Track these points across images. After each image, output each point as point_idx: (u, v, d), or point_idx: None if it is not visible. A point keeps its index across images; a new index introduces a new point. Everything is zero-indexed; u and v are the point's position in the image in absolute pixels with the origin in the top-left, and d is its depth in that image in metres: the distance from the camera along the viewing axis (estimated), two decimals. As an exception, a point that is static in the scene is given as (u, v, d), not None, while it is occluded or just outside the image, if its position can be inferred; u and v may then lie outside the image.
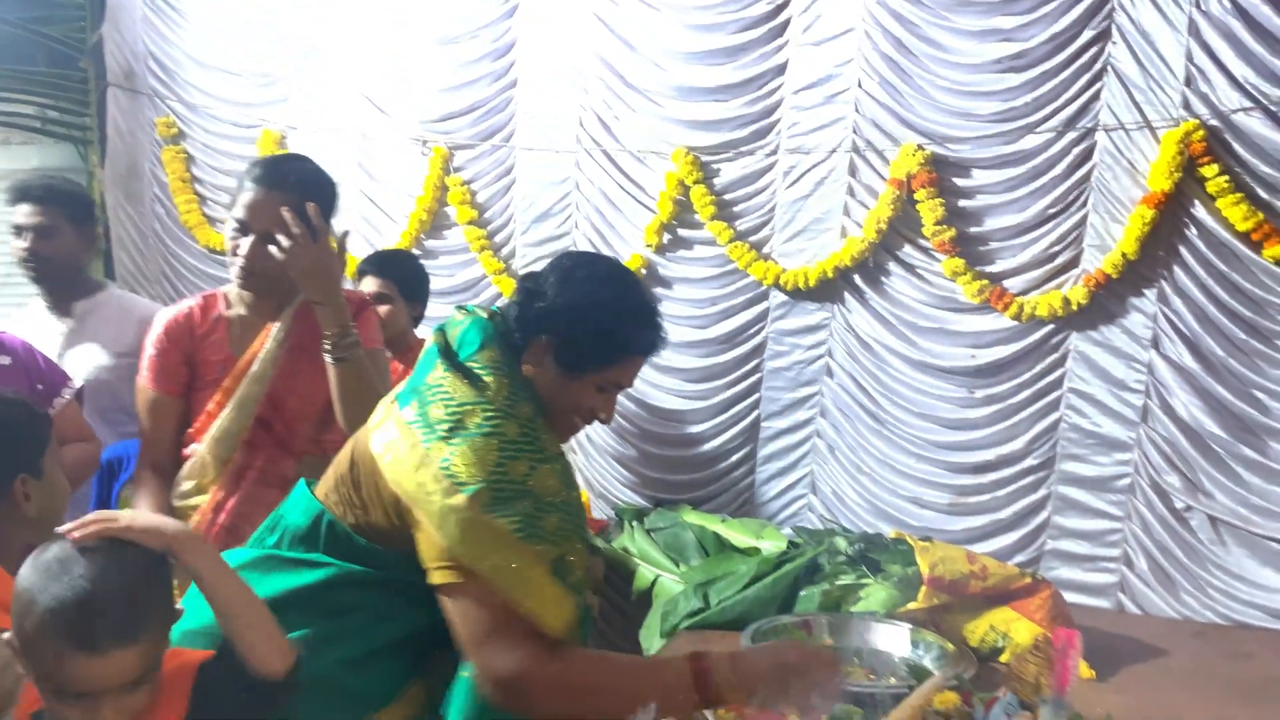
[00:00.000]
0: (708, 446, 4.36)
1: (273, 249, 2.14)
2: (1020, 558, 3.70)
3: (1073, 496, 3.67)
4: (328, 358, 2.17)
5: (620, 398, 4.37)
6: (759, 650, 1.58)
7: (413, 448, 1.50)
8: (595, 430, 4.53)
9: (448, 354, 1.61)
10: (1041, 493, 3.72)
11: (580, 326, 1.59)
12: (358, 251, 4.91)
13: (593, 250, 4.42)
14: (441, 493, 1.45)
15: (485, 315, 1.69)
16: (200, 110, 5.25)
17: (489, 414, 1.51)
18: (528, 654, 1.43)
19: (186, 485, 2.26)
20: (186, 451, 2.30)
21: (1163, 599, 3.50)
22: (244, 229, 2.21)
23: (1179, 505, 3.46)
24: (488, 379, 1.54)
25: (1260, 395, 3.35)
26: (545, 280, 1.65)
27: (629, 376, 1.69)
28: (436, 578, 1.48)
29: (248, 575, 1.53)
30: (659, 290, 4.39)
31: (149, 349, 2.32)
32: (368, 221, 4.92)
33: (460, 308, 1.76)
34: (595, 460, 4.61)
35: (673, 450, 4.43)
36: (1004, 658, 2.64)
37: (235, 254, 2.22)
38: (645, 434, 4.46)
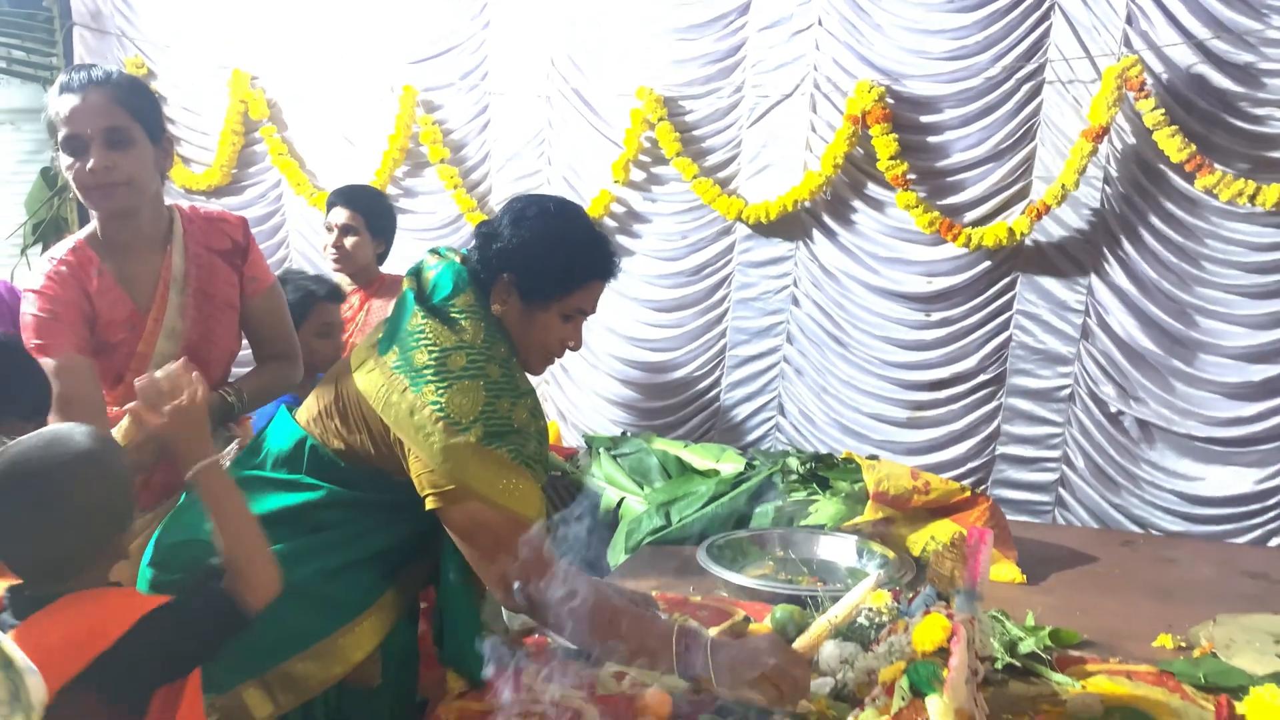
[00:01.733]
0: (678, 374, 4.56)
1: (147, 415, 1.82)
2: (973, 463, 4.07)
3: (1020, 407, 4.02)
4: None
5: (593, 329, 4.58)
6: (744, 646, 1.63)
7: (403, 394, 1.59)
8: (569, 363, 4.70)
9: (423, 299, 1.70)
10: (992, 405, 4.05)
11: (537, 259, 1.68)
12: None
13: (567, 186, 4.55)
14: (441, 433, 1.56)
15: (458, 259, 1.78)
16: (170, 51, 5.27)
17: (472, 356, 1.61)
18: (531, 559, 1.57)
19: None
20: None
21: (1098, 492, 3.89)
22: (79, 144, 1.90)
23: (1113, 410, 3.84)
24: (464, 323, 1.64)
25: (1189, 312, 3.67)
26: (500, 223, 1.73)
27: (590, 302, 1.76)
28: (435, 502, 1.60)
29: None
30: (632, 224, 4.54)
31: (35, 311, 1.95)
32: (344, 160, 4.98)
33: (433, 251, 1.85)
34: (569, 391, 4.79)
35: (644, 378, 4.62)
36: (943, 565, 2.85)
37: (84, 177, 1.91)
38: (617, 364, 4.63)
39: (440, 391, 1.58)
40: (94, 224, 2.05)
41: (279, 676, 1.59)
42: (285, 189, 5.13)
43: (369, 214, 3.29)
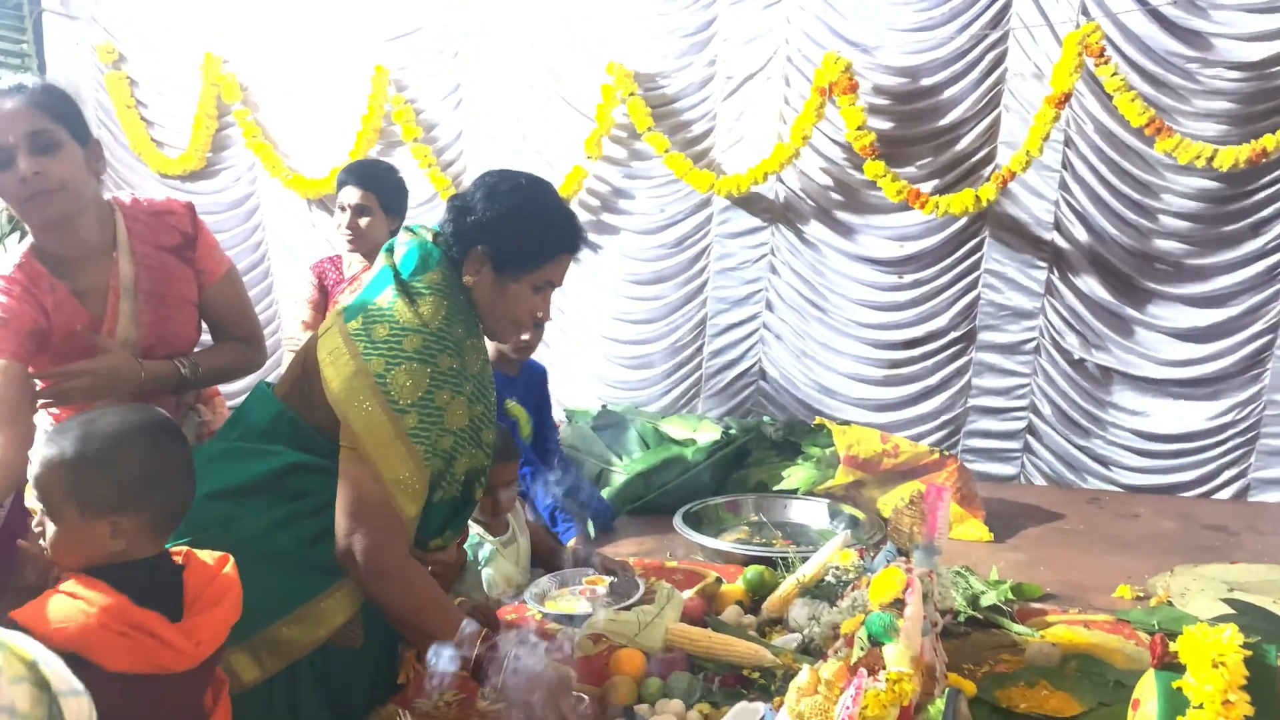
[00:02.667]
0: (661, 344, 4.63)
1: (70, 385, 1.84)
2: (946, 416, 4.23)
3: (989, 360, 4.19)
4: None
5: (575, 304, 4.61)
6: (530, 669, 1.66)
7: (353, 356, 1.65)
8: (552, 338, 4.75)
9: (397, 276, 1.73)
10: (963, 360, 4.21)
11: (511, 232, 1.72)
12: (310, 171, 5.03)
13: (542, 162, 4.57)
14: (376, 405, 1.62)
15: (430, 237, 1.82)
16: (140, 35, 5.25)
17: (427, 341, 1.65)
18: (384, 541, 1.64)
19: None
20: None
21: (1063, 436, 4.07)
22: (4, 154, 1.82)
23: (1076, 358, 4.03)
24: (429, 300, 1.69)
25: (1144, 262, 3.84)
26: (473, 197, 1.78)
27: (559, 274, 1.80)
28: (343, 454, 1.66)
29: (218, 465, 1.73)
30: (610, 200, 4.57)
31: None
32: (317, 141, 4.99)
33: (407, 228, 1.88)
34: (552, 367, 4.82)
35: (627, 351, 4.68)
36: (913, 525, 2.94)
37: (16, 189, 1.83)
38: (600, 338, 4.68)
39: (388, 366, 1.64)
40: (31, 237, 1.94)
41: (265, 641, 1.63)
42: (259, 171, 5.14)
43: (382, 192, 3.18)
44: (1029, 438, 4.15)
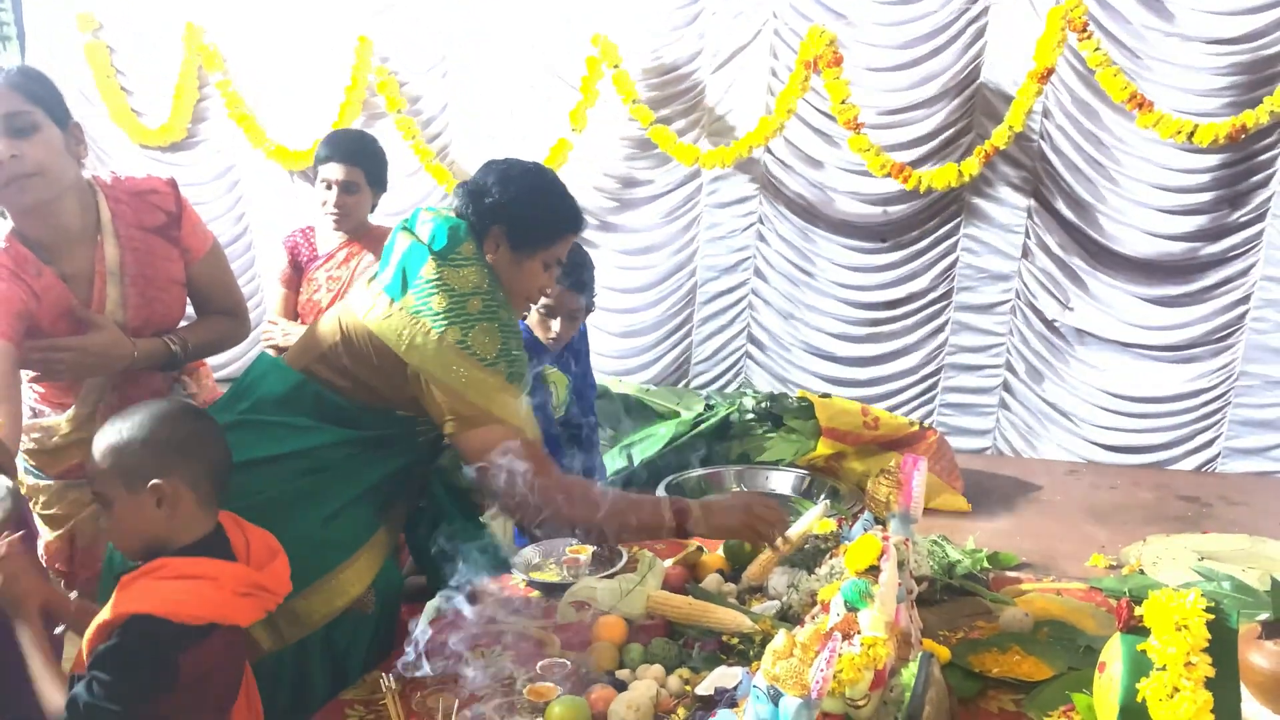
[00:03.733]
0: (650, 314, 4.68)
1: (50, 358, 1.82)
2: (925, 370, 4.38)
3: (966, 320, 4.32)
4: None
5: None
6: (721, 503, 1.95)
7: (427, 335, 1.75)
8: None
9: (431, 250, 1.82)
10: (942, 319, 4.34)
11: (527, 212, 1.85)
12: (293, 143, 4.99)
13: (529, 135, 4.55)
14: (469, 367, 1.74)
15: (453, 214, 1.91)
16: (121, 3, 5.18)
17: (486, 301, 1.78)
18: (552, 467, 1.81)
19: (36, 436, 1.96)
20: (43, 421, 1.99)
21: (1033, 390, 4.23)
22: None
23: (1050, 319, 4.18)
24: (471, 267, 1.80)
25: (1110, 228, 3.96)
26: (485, 181, 1.89)
27: (565, 252, 1.95)
28: (455, 427, 1.76)
29: (232, 439, 1.75)
30: (600, 172, 4.58)
31: None
32: (300, 112, 4.96)
33: (425, 209, 1.96)
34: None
35: (617, 322, 4.72)
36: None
37: None
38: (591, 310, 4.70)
39: (464, 332, 1.75)
40: (11, 222, 1.90)
41: (284, 613, 1.66)
42: (241, 143, 5.10)
43: (369, 166, 3.00)
44: (1003, 393, 4.29)
